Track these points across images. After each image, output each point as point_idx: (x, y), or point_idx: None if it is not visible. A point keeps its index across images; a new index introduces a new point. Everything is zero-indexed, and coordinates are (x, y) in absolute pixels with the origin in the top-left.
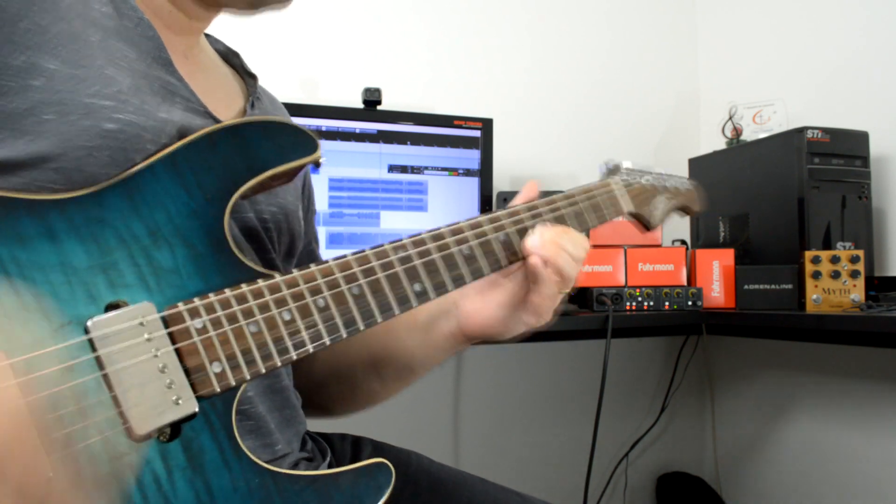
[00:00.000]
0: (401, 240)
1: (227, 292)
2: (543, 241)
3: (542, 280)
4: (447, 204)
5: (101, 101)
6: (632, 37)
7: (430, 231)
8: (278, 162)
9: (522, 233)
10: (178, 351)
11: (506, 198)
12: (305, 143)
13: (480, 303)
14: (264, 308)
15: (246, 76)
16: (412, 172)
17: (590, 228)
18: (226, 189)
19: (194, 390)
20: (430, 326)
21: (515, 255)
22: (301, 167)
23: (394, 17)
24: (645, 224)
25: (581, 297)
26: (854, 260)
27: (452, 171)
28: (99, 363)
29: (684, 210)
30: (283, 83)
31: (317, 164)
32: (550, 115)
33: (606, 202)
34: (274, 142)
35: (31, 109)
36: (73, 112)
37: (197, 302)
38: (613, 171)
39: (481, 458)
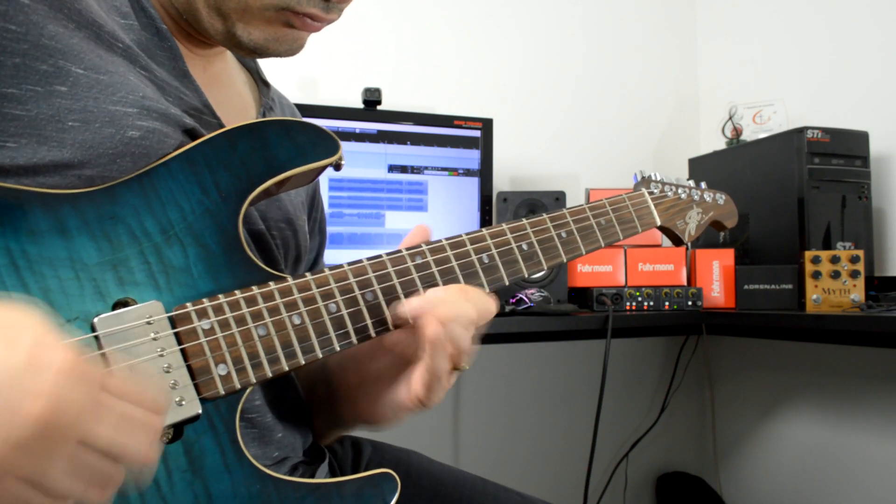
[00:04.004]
0: (420, 247)
1: (237, 293)
2: (435, 300)
3: (434, 349)
4: (447, 204)
5: (126, 107)
6: (632, 37)
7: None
8: (298, 162)
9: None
10: (183, 351)
11: (506, 198)
12: (326, 145)
13: (358, 376)
14: (274, 311)
15: (260, 83)
16: (412, 172)
17: (619, 241)
18: (242, 188)
19: (198, 392)
20: (312, 389)
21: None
22: (321, 168)
23: (394, 17)
24: (677, 238)
25: (581, 297)
26: (854, 260)
27: (452, 171)
28: (104, 360)
29: (717, 225)
30: (283, 83)
31: (337, 167)
32: (550, 115)
33: (639, 213)
34: (294, 142)
35: (55, 116)
36: (96, 119)
37: (206, 302)
38: (645, 182)
39: (481, 458)
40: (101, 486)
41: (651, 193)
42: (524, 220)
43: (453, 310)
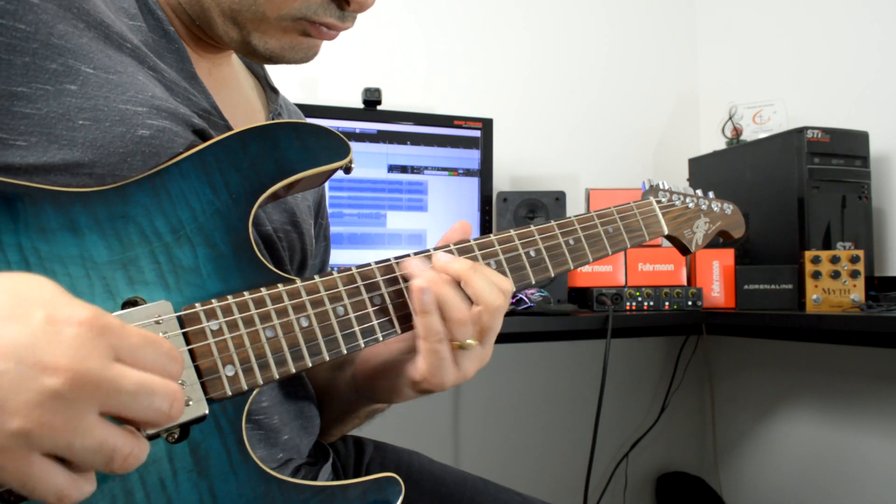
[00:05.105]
0: (427, 251)
1: (246, 295)
2: (425, 267)
3: (420, 315)
4: (447, 204)
5: (136, 107)
6: (632, 37)
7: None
8: (308, 165)
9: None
10: (191, 352)
11: (506, 198)
12: (336, 147)
13: (380, 346)
14: (282, 313)
15: (268, 89)
16: (412, 172)
17: (626, 248)
18: (253, 190)
19: (205, 392)
20: (339, 367)
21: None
22: (331, 171)
23: (394, 17)
24: (684, 247)
25: (581, 297)
26: (854, 260)
27: (452, 171)
28: None
29: (725, 235)
30: (283, 83)
31: (347, 170)
32: (550, 115)
33: (647, 222)
34: (304, 144)
35: (65, 114)
36: (107, 118)
37: (214, 303)
38: (653, 190)
39: (481, 458)
40: (136, 436)
41: (659, 202)
42: (532, 227)
43: (435, 273)
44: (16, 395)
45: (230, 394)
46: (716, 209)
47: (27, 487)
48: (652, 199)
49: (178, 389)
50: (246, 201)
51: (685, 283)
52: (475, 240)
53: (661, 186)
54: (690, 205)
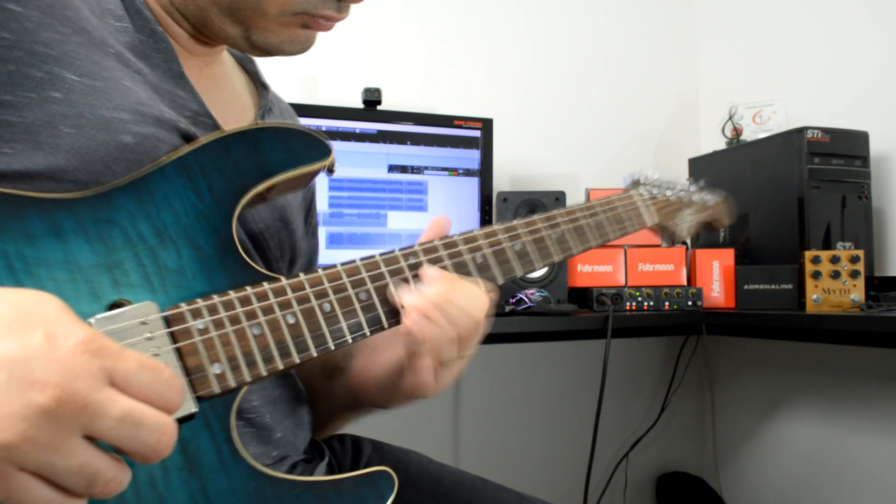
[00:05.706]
0: (412, 247)
1: (231, 294)
2: (418, 298)
3: (416, 345)
4: (447, 204)
5: (120, 114)
6: (632, 37)
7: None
8: (290, 167)
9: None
10: (178, 351)
11: (506, 198)
12: (318, 149)
13: (369, 362)
14: (268, 311)
15: (259, 85)
16: (412, 172)
17: (611, 241)
18: (235, 192)
19: (194, 391)
20: (330, 376)
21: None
22: (314, 173)
23: (394, 17)
24: (670, 237)
25: (581, 297)
26: (854, 260)
27: (452, 171)
28: None
29: (711, 224)
30: (283, 83)
31: (330, 171)
32: (550, 115)
33: (629, 214)
34: (286, 147)
35: (50, 122)
36: (91, 126)
37: (200, 303)
38: (637, 183)
39: (481, 458)
40: (120, 462)
41: (641, 195)
42: (516, 221)
43: (436, 304)
44: (1, 407)
45: (218, 391)
46: (698, 199)
47: (9, 502)
48: (634, 191)
49: (169, 423)
50: (229, 203)
51: (685, 283)
52: (460, 234)
53: (644, 179)
54: (673, 197)
